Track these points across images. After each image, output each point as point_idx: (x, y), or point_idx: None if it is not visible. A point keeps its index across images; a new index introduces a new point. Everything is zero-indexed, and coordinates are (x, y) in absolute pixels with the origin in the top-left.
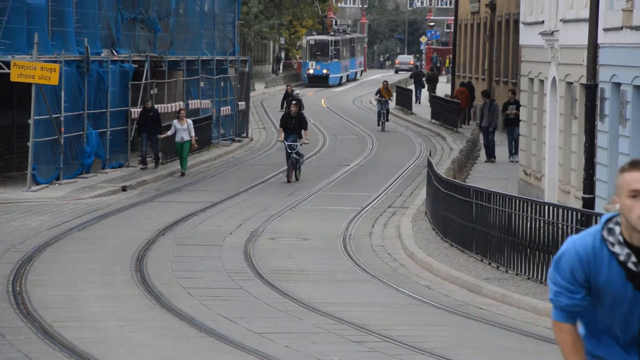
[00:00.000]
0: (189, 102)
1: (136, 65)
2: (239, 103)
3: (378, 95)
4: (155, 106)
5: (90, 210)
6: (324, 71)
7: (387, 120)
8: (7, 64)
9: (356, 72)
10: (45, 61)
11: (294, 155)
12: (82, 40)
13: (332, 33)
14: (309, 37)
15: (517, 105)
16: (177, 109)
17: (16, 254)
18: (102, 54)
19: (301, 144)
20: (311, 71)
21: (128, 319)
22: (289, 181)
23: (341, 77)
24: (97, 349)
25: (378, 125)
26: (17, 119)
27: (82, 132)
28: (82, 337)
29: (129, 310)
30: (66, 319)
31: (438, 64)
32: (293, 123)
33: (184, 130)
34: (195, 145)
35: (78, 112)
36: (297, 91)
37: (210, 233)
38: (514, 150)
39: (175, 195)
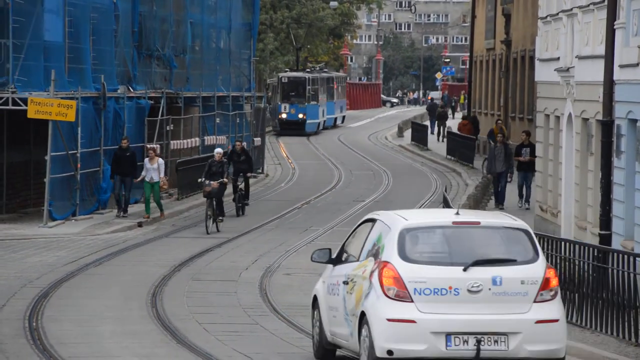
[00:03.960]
0: (205, 137)
1: (152, 102)
2: (255, 139)
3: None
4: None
5: (106, 245)
6: (300, 116)
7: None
8: (25, 101)
9: (335, 118)
10: (62, 98)
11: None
12: (98, 76)
13: (308, 70)
14: (281, 75)
15: (532, 148)
16: (191, 145)
17: (32, 289)
18: (119, 91)
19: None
20: (284, 115)
21: (144, 354)
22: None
23: (319, 124)
24: None
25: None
26: (33, 155)
27: (98, 168)
28: None
29: (144, 346)
30: (82, 354)
31: (453, 103)
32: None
33: (154, 170)
34: (165, 187)
35: (94, 148)
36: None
37: (226, 268)
38: (524, 196)
39: (191, 230)
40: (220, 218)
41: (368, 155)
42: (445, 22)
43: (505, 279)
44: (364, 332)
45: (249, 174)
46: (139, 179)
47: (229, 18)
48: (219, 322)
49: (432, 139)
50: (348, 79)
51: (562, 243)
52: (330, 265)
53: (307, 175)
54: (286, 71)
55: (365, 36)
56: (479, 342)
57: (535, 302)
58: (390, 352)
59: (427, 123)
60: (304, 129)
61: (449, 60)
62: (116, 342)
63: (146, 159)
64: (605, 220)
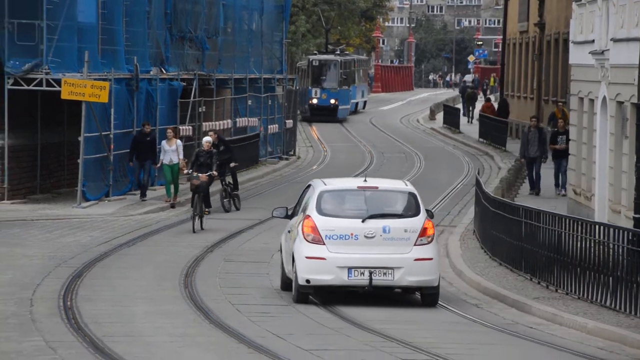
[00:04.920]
0: (237, 119)
1: (184, 84)
2: (287, 121)
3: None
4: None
5: (139, 226)
6: (332, 101)
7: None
8: (58, 82)
9: (357, 103)
10: (95, 79)
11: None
12: (131, 58)
13: (337, 52)
14: (312, 57)
15: (567, 135)
16: (223, 127)
17: (67, 269)
18: (151, 72)
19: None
20: (315, 101)
21: (177, 334)
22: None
23: (349, 109)
24: None
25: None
26: (67, 137)
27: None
28: (133, 352)
29: (178, 326)
30: (116, 333)
31: (485, 86)
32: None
33: (172, 151)
34: (184, 170)
35: (127, 130)
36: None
37: (258, 250)
38: (560, 183)
39: (223, 212)
40: (207, 210)
41: (400, 138)
42: (477, 5)
43: (393, 228)
44: (294, 267)
45: (232, 164)
46: (158, 165)
47: (261, 0)
48: (252, 303)
49: (464, 121)
50: (380, 61)
51: (596, 226)
52: (287, 219)
53: (339, 157)
54: (315, 54)
55: (397, 19)
56: (371, 273)
57: (415, 245)
58: (307, 280)
59: (459, 106)
60: (335, 115)
61: (481, 43)
62: (150, 322)
63: (164, 141)
64: None
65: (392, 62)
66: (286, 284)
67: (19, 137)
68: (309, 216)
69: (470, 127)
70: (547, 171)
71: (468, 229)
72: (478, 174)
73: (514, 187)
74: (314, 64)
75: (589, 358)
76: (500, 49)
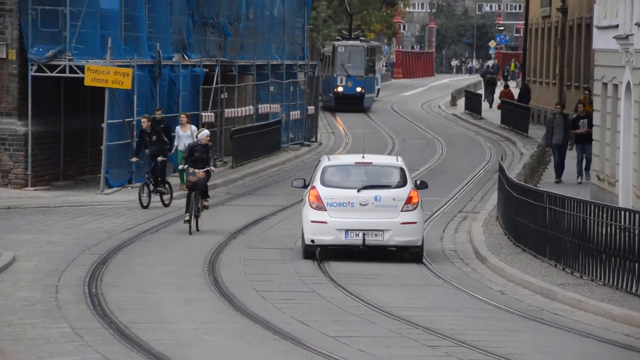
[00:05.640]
0: (259, 106)
1: (207, 70)
2: (308, 107)
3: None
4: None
5: (162, 213)
6: (358, 89)
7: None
8: (82, 69)
9: (379, 90)
10: (118, 66)
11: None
12: (154, 44)
13: (362, 39)
14: (337, 43)
15: (590, 119)
16: (245, 113)
17: (91, 256)
18: (174, 59)
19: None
20: (340, 89)
21: (202, 321)
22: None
23: (373, 98)
24: (174, 351)
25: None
26: (90, 123)
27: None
28: (158, 339)
29: (203, 313)
30: (142, 320)
31: (506, 72)
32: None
33: (187, 137)
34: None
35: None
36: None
37: (281, 237)
38: (584, 169)
39: (246, 199)
40: (206, 205)
41: (421, 124)
42: None
43: (383, 197)
44: (302, 229)
45: (160, 158)
46: (172, 151)
47: None
48: (276, 289)
49: (486, 107)
50: (400, 47)
51: (622, 212)
52: (304, 189)
53: (361, 143)
54: (338, 39)
55: (418, 4)
56: (364, 234)
57: (401, 211)
58: (312, 240)
59: (481, 91)
60: (362, 104)
61: (502, 28)
62: (174, 308)
63: (178, 127)
64: None
65: (412, 48)
66: (307, 246)
67: (43, 124)
68: (314, 187)
69: (491, 113)
70: (571, 159)
71: (491, 215)
72: (501, 160)
73: (536, 173)
74: (339, 50)
75: (615, 345)
76: (521, 35)
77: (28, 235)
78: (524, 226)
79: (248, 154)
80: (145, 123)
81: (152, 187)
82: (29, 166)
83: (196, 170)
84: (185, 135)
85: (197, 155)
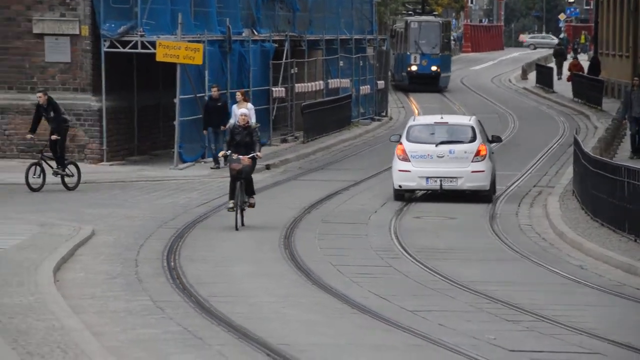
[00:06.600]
0: (329, 81)
1: (276, 45)
2: (378, 82)
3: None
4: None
5: None
6: (433, 68)
7: None
8: (153, 44)
9: None
10: (188, 41)
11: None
12: (223, 20)
13: (435, 14)
14: (410, 19)
15: None
16: (315, 88)
17: (168, 230)
18: (243, 34)
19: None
20: (414, 68)
21: (281, 294)
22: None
23: (449, 77)
24: (253, 324)
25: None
26: (162, 99)
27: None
28: (237, 312)
29: (280, 287)
30: (220, 294)
31: (575, 45)
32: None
33: None
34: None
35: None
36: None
37: (355, 211)
38: None
39: (318, 173)
40: (251, 202)
41: (492, 98)
42: None
43: (456, 150)
44: (393, 177)
45: (53, 136)
46: (225, 127)
47: None
48: (352, 264)
49: (558, 81)
50: (469, 21)
51: None
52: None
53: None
54: (410, 14)
55: None
56: (441, 181)
57: (472, 162)
58: (400, 186)
59: (552, 65)
60: (437, 84)
61: (572, 0)
62: (252, 282)
63: (234, 105)
64: None
65: (481, 21)
66: (396, 191)
67: (116, 100)
68: (401, 143)
69: (563, 87)
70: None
71: (567, 190)
72: (576, 133)
73: (611, 147)
74: (412, 26)
75: None
76: (592, 7)
77: (106, 210)
78: (602, 200)
79: (319, 129)
80: (214, 92)
81: (42, 168)
82: (104, 141)
83: (240, 156)
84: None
85: (239, 139)
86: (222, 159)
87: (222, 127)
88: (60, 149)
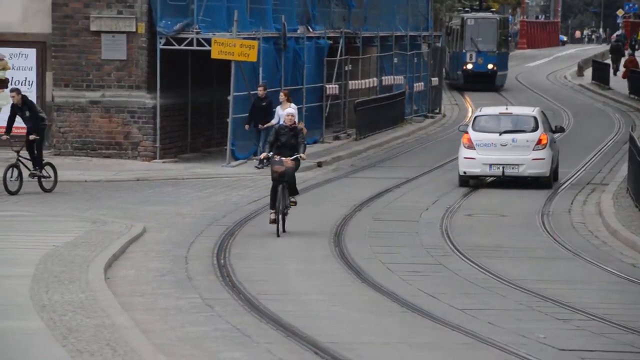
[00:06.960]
0: (383, 78)
1: (331, 42)
2: (432, 79)
3: None
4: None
5: None
6: (490, 66)
7: None
8: (208, 41)
9: None
10: (244, 38)
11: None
12: (279, 17)
13: (492, 10)
14: (466, 16)
15: None
16: (369, 85)
17: (219, 227)
18: (298, 31)
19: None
20: (470, 66)
21: (330, 292)
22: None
23: (506, 76)
24: (303, 322)
25: None
26: (216, 96)
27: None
28: (287, 310)
29: (330, 285)
30: (270, 291)
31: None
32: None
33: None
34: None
35: (275, 88)
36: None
37: (407, 209)
38: None
39: (370, 171)
40: (294, 201)
41: (547, 95)
42: None
43: (519, 139)
44: (458, 164)
45: (32, 137)
46: (263, 126)
47: None
48: (402, 262)
49: (613, 77)
50: (525, 17)
51: None
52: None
53: None
54: (467, 10)
55: None
56: (503, 168)
57: (533, 150)
58: (464, 172)
59: (609, 61)
60: (493, 83)
61: None
62: (302, 280)
63: (278, 107)
64: None
65: (537, 17)
66: (461, 177)
67: (170, 97)
68: (466, 132)
69: (620, 83)
70: None
71: (621, 188)
72: (631, 130)
73: None
74: (468, 23)
75: None
76: None
77: (158, 207)
78: None
79: (372, 126)
80: (261, 91)
81: (19, 170)
82: (157, 139)
83: (282, 158)
84: (285, 114)
85: (284, 140)
86: (264, 160)
87: (260, 126)
88: (38, 150)
